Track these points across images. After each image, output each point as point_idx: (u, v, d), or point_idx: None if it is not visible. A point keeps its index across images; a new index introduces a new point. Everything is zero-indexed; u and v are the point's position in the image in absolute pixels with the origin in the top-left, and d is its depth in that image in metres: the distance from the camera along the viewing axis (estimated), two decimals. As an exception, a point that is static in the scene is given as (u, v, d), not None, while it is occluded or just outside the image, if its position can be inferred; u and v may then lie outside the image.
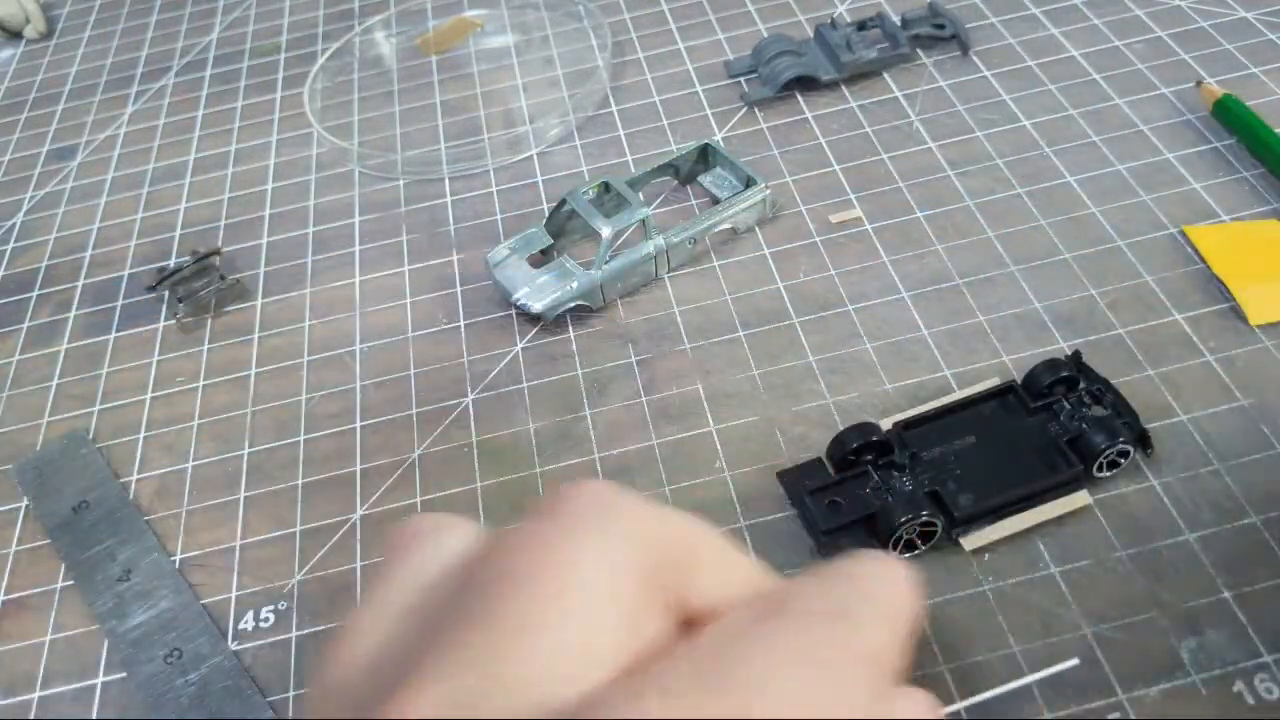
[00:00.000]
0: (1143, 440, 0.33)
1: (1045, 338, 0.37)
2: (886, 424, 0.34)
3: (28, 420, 0.43)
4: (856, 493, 0.33)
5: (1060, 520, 0.32)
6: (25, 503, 0.39)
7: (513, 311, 0.42)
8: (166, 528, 0.37)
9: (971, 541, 0.32)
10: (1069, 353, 0.35)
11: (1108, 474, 0.32)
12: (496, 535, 0.17)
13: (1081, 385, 0.34)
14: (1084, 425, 0.33)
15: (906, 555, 0.32)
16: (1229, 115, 0.44)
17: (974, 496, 0.32)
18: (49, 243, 0.52)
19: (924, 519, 0.31)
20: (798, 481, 0.34)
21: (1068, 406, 0.34)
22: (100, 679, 0.34)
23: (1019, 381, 0.35)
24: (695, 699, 0.14)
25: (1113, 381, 0.34)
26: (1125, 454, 0.32)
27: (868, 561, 0.18)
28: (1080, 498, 0.32)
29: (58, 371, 0.45)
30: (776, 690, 0.14)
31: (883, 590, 0.17)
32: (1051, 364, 0.34)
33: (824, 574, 0.18)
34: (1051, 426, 0.33)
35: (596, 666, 0.14)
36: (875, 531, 0.32)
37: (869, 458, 0.33)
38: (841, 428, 0.34)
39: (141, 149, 0.57)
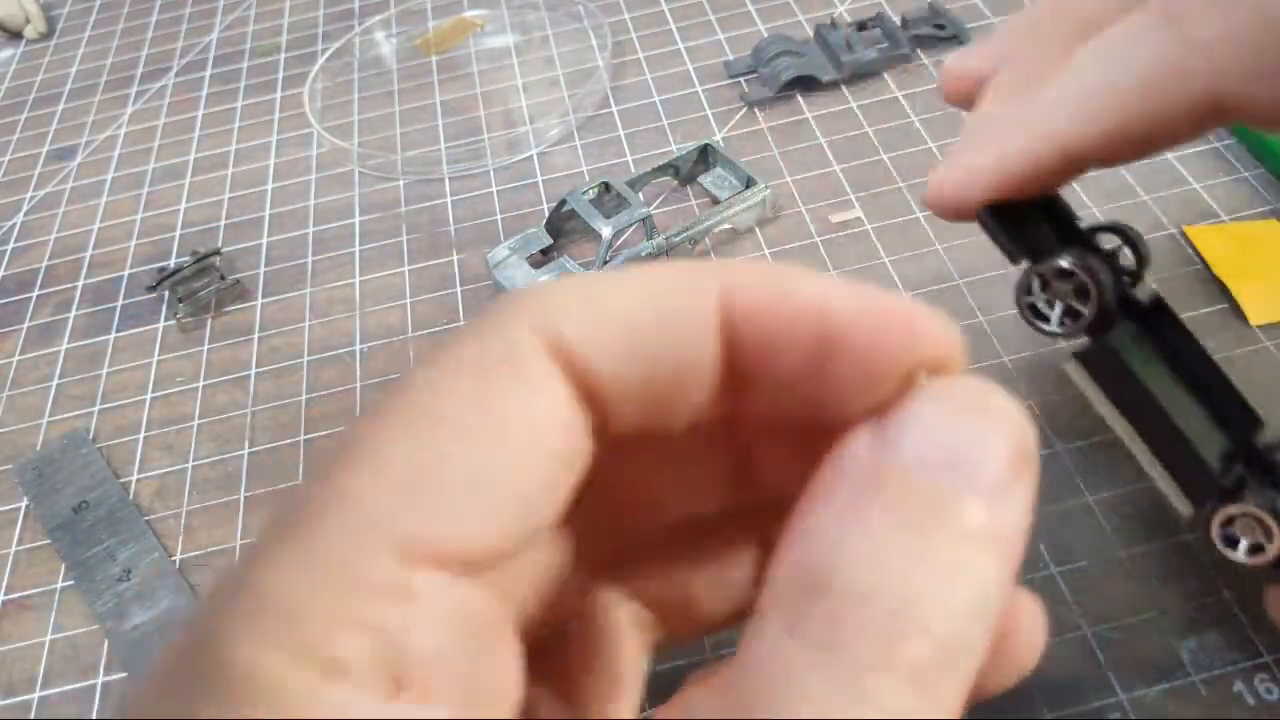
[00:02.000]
0: None
1: (1045, 338, 0.37)
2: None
3: (28, 420, 0.43)
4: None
5: (1059, 518, 0.32)
6: (25, 503, 0.39)
7: (513, 311, 0.42)
8: (166, 528, 0.37)
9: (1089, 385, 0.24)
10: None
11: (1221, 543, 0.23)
12: None
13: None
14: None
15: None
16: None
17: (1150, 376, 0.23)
18: (49, 243, 0.52)
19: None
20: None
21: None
22: (100, 679, 0.34)
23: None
24: None
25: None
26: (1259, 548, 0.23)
27: (946, 427, 0.14)
28: (1184, 505, 0.23)
29: (58, 371, 0.45)
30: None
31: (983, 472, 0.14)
32: None
33: (859, 491, 0.14)
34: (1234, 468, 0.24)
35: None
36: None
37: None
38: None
39: (141, 149, 0.57)
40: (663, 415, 0.15)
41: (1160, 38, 0.17)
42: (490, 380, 0.14)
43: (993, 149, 0.19)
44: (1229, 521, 0.22)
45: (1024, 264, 0.22)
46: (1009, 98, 0.21)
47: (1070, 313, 0.22)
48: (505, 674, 0.14)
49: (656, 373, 0.14)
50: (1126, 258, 0.24)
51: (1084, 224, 0.24)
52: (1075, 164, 0.19)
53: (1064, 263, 0.21)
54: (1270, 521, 0.21)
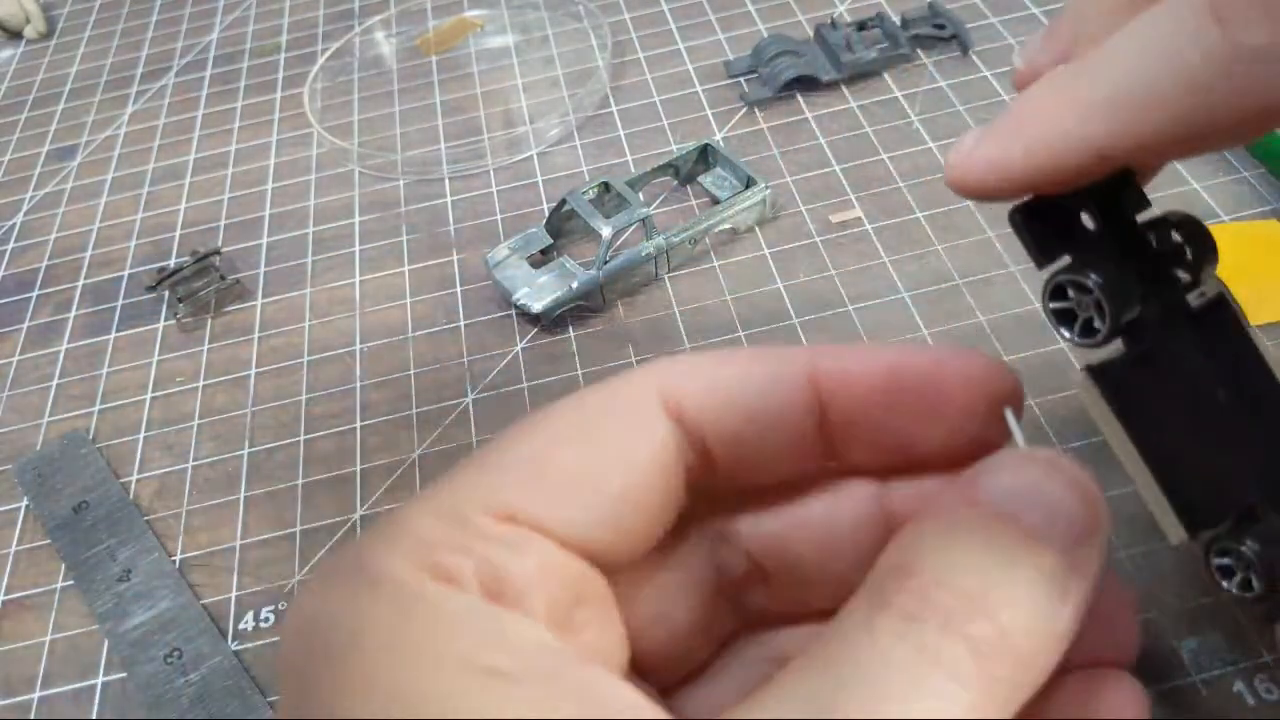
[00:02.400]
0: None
1: (1045, 338, 0.37)
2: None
3: (28, 420, 0.43)
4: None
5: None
6: (25, 503, 0.39)
7: (513, 311, 0.42)
8: (166, 528, 0.37)
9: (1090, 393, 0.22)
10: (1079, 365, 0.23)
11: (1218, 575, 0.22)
12: None
13: None
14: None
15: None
16: None
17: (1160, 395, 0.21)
18: (49, 243, 0.52)
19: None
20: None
21: None
22: (100, 679, 0.34)
23: None
24: None
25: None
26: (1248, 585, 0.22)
27: (1028, 479, 0.16)
28: (1177, 532, 0.21)
29: (58, 371, 0.45)
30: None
31: (1053, 530, 0.16)
32: None
33: (953, 517, 0.16)
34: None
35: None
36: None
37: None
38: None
39: (141, 149, 0.57)
40: (766, 465, 0.19)
41: (1207, 38, 0.16)
42: (606, 414, 0.17)
43: (1025, 138, 0.18)
44: (1225, 552, 0.21)
45: (1049, 269, 0.21)
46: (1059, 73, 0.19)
47: (1089, 326, 0.21)
48: (603, 630, 0.17)
49: (753, 425, 0.18)
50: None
51: (1150, 214, 0.22)
52: (1110, 164, 0.18)
53: (1063, 277, 0.20)
54: (1258, 565, 0.21)
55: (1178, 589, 0.30)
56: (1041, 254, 0.21)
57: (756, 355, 0.18)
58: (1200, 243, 0.22)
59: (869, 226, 0.43)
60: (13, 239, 0.52)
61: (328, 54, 0.60)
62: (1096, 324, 0.20)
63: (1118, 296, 0.20)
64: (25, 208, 0.54)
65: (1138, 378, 0.20)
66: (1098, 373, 0.20)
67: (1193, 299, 0.21)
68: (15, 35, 0.69)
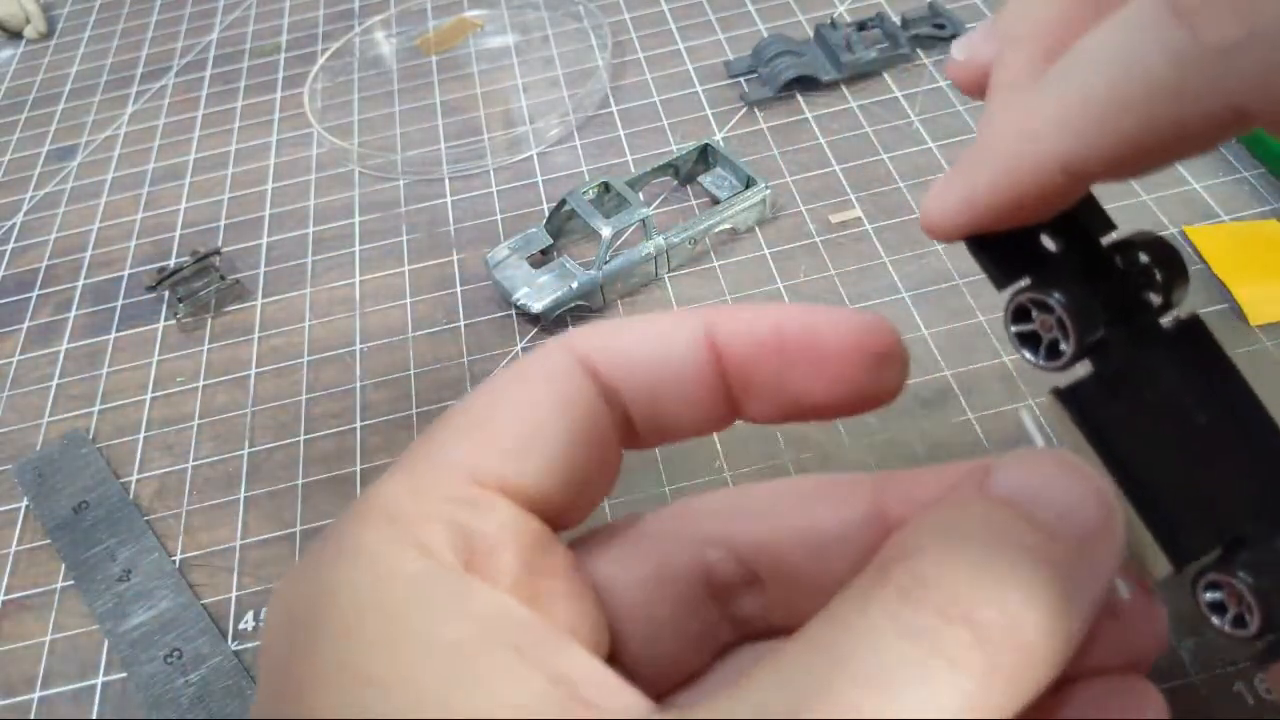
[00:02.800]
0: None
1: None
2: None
3: (28, 420, 0.43)
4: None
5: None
6: (25, 503, 0.39)
7: (513, 311, 0.42)
8: (166, 528, 0.37)
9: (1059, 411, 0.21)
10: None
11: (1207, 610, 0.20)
12: None
13: None
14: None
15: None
16: None
17: (1135, 429, 0.20)
18: (49, 243, 0.52)
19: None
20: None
21: None
22: (100, 679, 0.34)
23: None
24: None
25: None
26: (1241, 622, 0.20)
27: (1040, 474, 0.16)
28: (1160, 565, 0.20)
29: (58, 371, 0.45)
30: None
31: (1059, 533, 0.16)
32: None
33: (960, 505, 0.16)
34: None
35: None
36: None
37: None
38: (841, 428, 0.34)
39: (141, 149, 0.57)
40: (678, 418, 0.19)
41: (1172, 39, 0.15)
42: (534, 377, 0.18)
43: (988, 171, 0.18)
44: (1216, 586, 0.19)
45: (1008, 291, 0.20)
46: (1013, 91, 0.19)
47: (1054, 348, 0.20)
48: (574, 608, 0.18)
49: (658, 380, 0.19)
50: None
51: (1116, 235, 0.21)
52: (1082, 181, 0.17)
53: (1025, 297, 0.20)
54: (1250, 598, 0.19)
55: (1178, 589, 0.30)
56: (1001, 275, 0.20)
57: (655, 317, 0.19)
58: (1169, 264, 0.21)
59: (869, 226, 0.43)
60: (13, 239, 0.52)
61: (328, 54, 0.60)
62: (1062, 345, 0.19)
63: (1082, 315, 0.19)
64: (25, 208, 0.54)
65: (1109, 401, 0.19)
66: (1067, 395, 0.19)
67: (1166, 322, 0.20)
68: (15, 35, 0.69)
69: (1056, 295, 0.19)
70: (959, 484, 0.17)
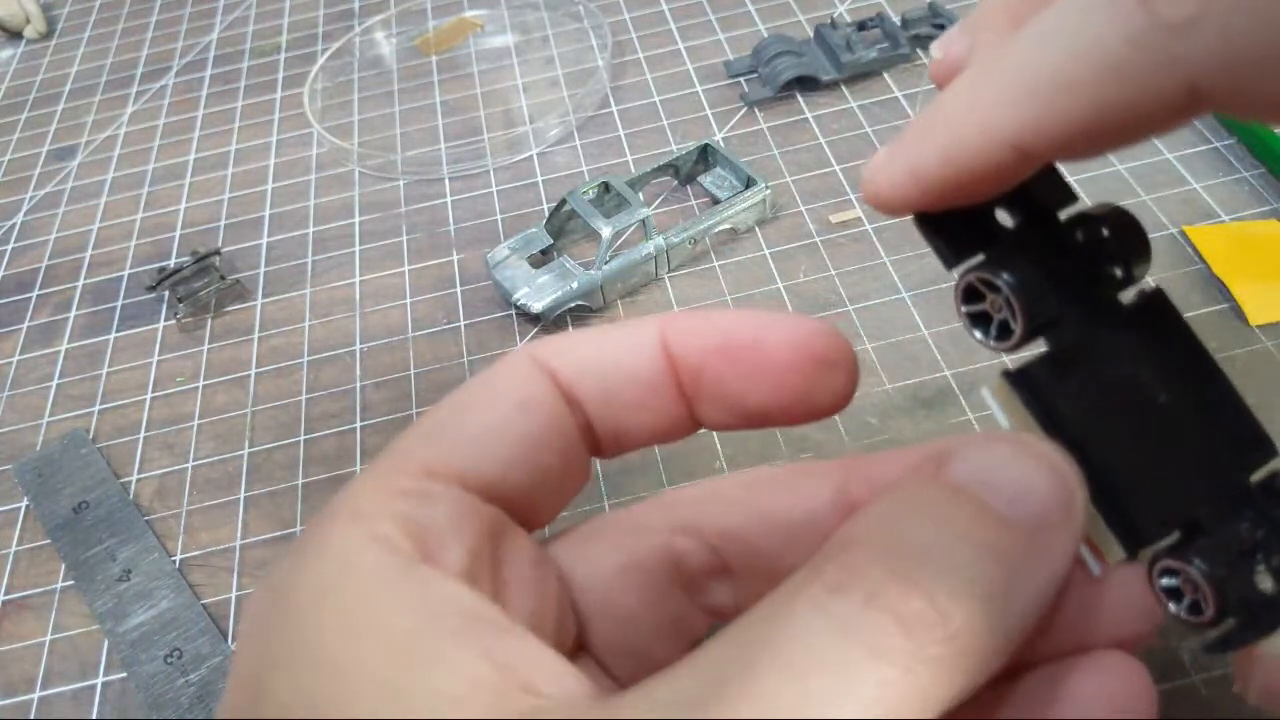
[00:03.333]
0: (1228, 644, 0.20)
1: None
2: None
3: (28, 420, 0.43)
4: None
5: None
6: (25, 503, 0.39)
7: (513, 311, 0.42)
8: (166, 528, 0.37)
9: (1000, 393, 0.20)
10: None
11: (1164, 595, 0.19)
12: None
13: None
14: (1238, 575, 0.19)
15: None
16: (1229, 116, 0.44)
17: (1088, 401, 0.19)
18: (49, 243, 0.52)
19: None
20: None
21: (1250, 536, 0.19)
22: (100, 679, 0.34)
23: None
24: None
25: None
26: (1198, 609, 0.19)
27: (995, 458, 0.16)
28: (1114, 551, 0.19)
29: (58, 371, 0.45)
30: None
31: (1009, 512, 0.16)
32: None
33: (908, 492, 0.16)
34: (1241, 523, 0.19)
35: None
36: None
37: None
38: (842, 428, 0.34)
39: (141, 149, 0.57)
40: (637, 423, 0.20)
41: (1126, 17, 0.14)
42: (496, 380, 0.19)
43: (937, 143, 0.17)
44: (1171, 572, 0.18)
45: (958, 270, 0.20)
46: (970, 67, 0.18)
47: (1004, 328, 0.19)
48: (531, 594, 0.18)
49: (616, 386, 0.19)
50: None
51: (1076, 208, 0.20)
52: (1032, 162, 0.17)
53: (973, 276, 0.19)
54: (1204, 586, 0.18)
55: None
56: (951, 253, 0.19)
57: (612, 326, 0.20)
58: (1130, 237, 0.20)
59: (869, 226, 0.43)
60: (13, 239, 0.52)
61: (328, 54, 0.60)
62: (1012, 325, 0.19)
63: (1030, 294, 0.18)
64: (25, 208, 0.54)
65: (1062, 382, 0.18)
66: (1017, 378, 0.18)
67: (1127, 297, 0.20)
68: (15, 35, 0.69)
69: (1004, 275, 0.18)
70: (914, 469, 0.17)
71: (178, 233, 0.51)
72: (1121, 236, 0.19)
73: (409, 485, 0.17)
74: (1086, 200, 0.19)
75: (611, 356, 0.19)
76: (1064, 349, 0.19)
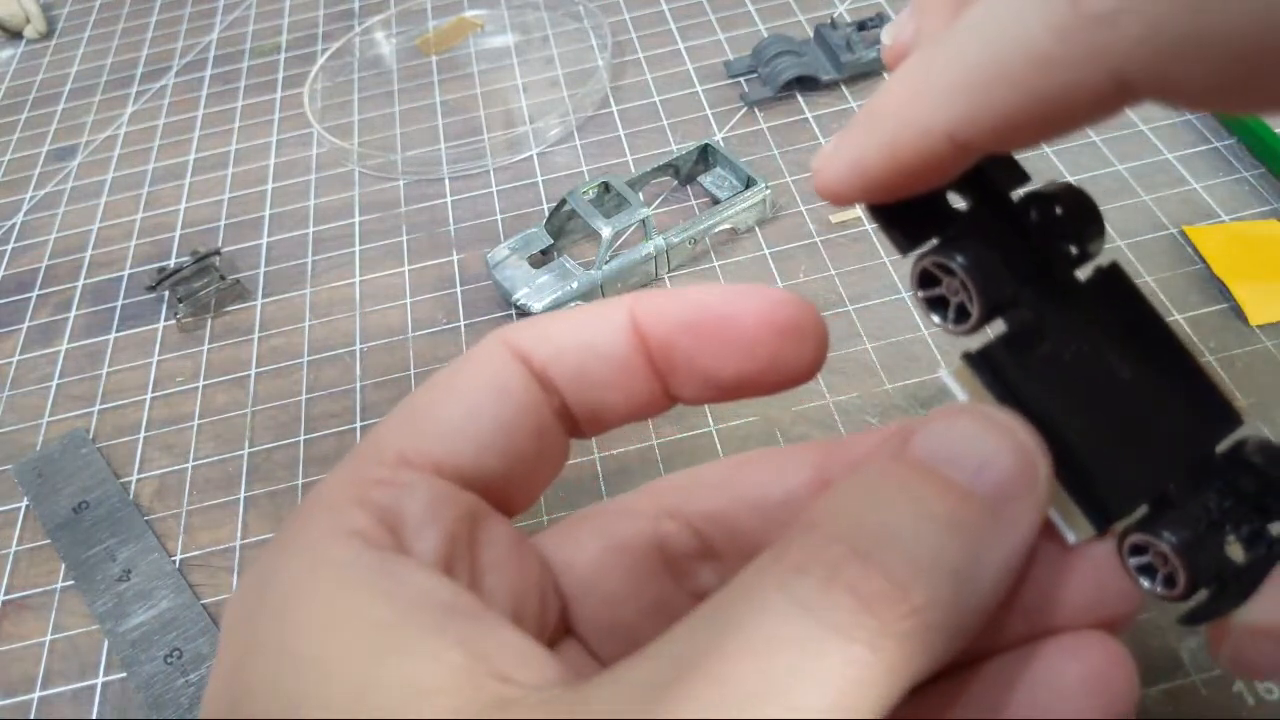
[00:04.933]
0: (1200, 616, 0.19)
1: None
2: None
3: (28, 420, 0.43)
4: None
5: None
6: (25, 503, 0.39)
7: (513, 311, 0.42)
8: (166, 528, 0.37)
9: (957, 375, 0.20)
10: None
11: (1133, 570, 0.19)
12: None
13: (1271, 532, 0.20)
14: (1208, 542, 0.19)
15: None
16: (1229, 115, 0.44)
17: (1048, 374, 0.19)
18: (49, 243, 0.52)
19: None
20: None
21: (1218, 506, 0.19)
22: (100, 679, 0.34)
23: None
24: None
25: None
26: (1171, 583, 0.18)
27: (956, 432, 0.17)
28: (1080, 529, 0.19)
29: (58, 371, 0.45)
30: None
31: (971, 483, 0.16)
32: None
33: (872, 471, 0.16)
34: (1207, 499, 0.19)
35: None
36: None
37: None
38: (842, 428, 0.34)
39: (141, 149, 0.57)
40: (613, 401, 0.20)
41: (1052, 9, 0.14)
42: (466, 367, 0.19)
43: (878, 137, 0.17)
44: (1140, 549, 0.18)
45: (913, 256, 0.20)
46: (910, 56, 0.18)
47: (962, 311, 0.19)
48: (511, 578, 0.18)
49: (588, 366, 0.19)
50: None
51: (1029, 187, 0.20)
52: (971, 153, 0.17)
53: (928, 261, 0.19)
54: (1174, 559, 0.18)
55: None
56: (905, 240, 0.19)
57: (584, 307, 0.20)
58: (1082, 213, 0.20)
59: (869, 226, 0.43)
60: (13, 239, 0.52)
61: (328, 54, 0.60)
62: (968, 307, 0.19)
63: (985, 275, 0.18)
64: (25, 208, 0.54)
65: (1023, 361, 0.19)
66: (977, 359, 0.19)
67: (1085, 274, 0.20)
68: (15, 35, 0.69)
69: (958, 258, 0.18)
70: (880, 447, 0.17)
71: (178, 233, 0.51)
72: (1074, 213, 0.19)
73: (383, 475, 0.17)
74: (1038, 181, 0.19)
75: (582, 337, 0.19)
76: (1023, 328, 0.19)
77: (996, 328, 0.19)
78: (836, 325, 0.39)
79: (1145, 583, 0.18)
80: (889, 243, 0.19)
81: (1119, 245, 0.40)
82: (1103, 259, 0.20)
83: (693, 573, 0.20)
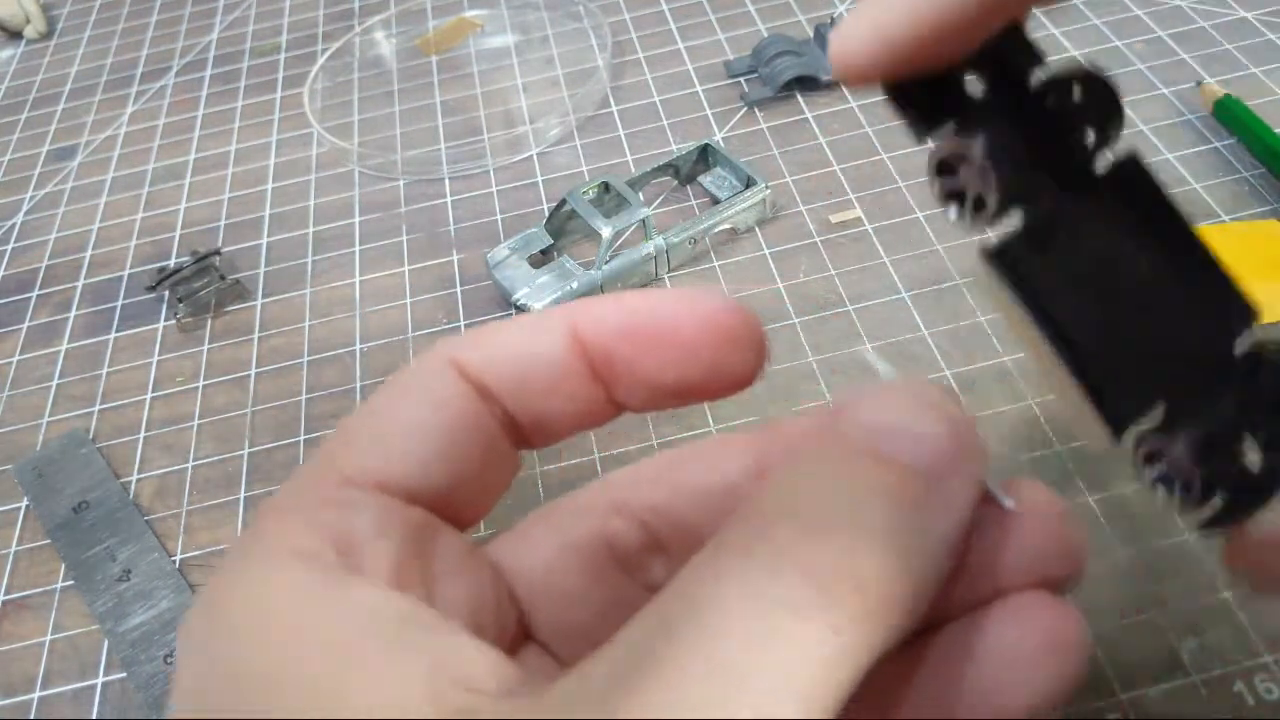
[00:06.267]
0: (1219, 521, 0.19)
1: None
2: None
3: (28, 420, 0.43)
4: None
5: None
6: (25, 503, 0.39)
7: (513, 311, 0.42)
8: (166, 528, 0.37)
9: (992, 278, 0.19)
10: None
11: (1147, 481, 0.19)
12: None
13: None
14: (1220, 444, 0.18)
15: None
16: (1229, 115, 0.44)
17: (1066, 283, 0.18)
18: (49, 243, 0.52)
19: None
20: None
21: (1235, 411, 0.19)
22: (100, 679, 0.34)
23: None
24: None
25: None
26: (1187, 489, 0.18)
27: (889, 409, 0.17)
28: (1099, 435, 0.18)
29: (58, 371, 0.45)
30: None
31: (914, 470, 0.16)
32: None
33: (809, 453, 0.16)
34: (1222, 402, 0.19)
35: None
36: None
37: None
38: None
39: (141, 149, 0.57)
40: (556, 410, 0.20)
41: None
42: (407, 381, 0.19)
43: None
44: (1154, 457, 0.18)
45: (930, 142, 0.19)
46: None
47: (979, 201, 0.18)
48: (463, 586, 0.18)
49: (529, 377, 0.19)
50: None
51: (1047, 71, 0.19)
52: (1002, 11, 0.16)
53: (946, 148, 0.18)
54: (1188, 463, 0.18)
55: (1178, 589, 0.30)
56: (923, 123, 0.18)
57: (523, 318, 0.20)
58: (1102, 96, 0.19)
59: (869, 226, 0.43)
60: (13, 239, 0.52)
61: (328, 54, 0.60)
62: (987, 197, 0.18)
63: (1005, 160, 0.17)
64: (25, 208, 0.54)
65: (1040, 257, 0.18)
66: (997, 256, 0.18)
67: (1101, 163, 0.19)
68: (15, 35, 0.69)
69: (979, 140, 0.17)
70: (815, 430, 0.17)
71: (178, 233, 0.51)
72: (1094, 99, 0.19)
73: (329, 495, 0.17)
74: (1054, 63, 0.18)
75: (521, 347, 0.19)
76: (1040, 222, 0.18)
77: (1009, 223, 0.18)
78: (836, 325, 0.39)
79: (1162, 492, 0.18)
80: (907, 126, 0.18)
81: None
82: (1120, 148, 0.19)
83: (645, 567, 0.20)
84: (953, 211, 0.18)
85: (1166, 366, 0.18)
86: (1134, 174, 0.19)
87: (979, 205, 0.18)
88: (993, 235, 0.18)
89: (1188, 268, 0.19)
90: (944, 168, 0.18)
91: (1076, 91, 0.18)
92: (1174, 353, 0.18)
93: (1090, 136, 0.18)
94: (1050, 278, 0.18)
